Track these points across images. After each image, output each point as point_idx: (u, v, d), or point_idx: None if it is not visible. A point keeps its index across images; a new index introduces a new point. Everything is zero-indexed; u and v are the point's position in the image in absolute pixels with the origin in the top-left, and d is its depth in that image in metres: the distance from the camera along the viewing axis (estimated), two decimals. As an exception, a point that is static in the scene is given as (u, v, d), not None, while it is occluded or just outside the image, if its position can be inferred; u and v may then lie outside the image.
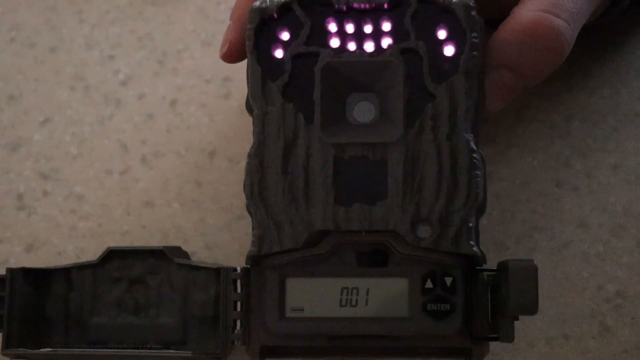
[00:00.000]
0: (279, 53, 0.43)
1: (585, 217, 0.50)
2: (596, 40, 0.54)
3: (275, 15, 0.43)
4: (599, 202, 0.50)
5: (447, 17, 0.42)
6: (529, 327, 0.49)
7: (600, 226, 0.50)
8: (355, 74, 0.42)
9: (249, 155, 0.43)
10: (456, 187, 0.41)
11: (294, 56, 0.43)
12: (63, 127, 0.56)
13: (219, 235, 0.52)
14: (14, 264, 0.52)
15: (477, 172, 0.41)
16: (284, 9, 0.43)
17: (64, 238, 0.53)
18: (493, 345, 0.47)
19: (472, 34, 0.42)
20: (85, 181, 0.54)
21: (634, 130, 0.52)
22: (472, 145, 0.41)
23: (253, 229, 0.43)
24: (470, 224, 0.41)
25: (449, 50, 0.42)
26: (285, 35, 0.43)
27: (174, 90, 0.56)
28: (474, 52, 0.42)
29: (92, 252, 0.52)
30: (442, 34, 0.42)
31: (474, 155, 0.41)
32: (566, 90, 0.53)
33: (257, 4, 0.43)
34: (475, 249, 0.41)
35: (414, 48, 0.42)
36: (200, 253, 0.52)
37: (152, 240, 0.52)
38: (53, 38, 0.59)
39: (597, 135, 0.52)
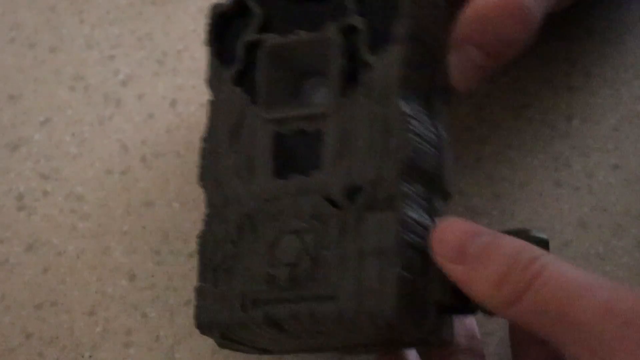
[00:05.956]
0: (234, 44, 0.45)
1: (585, 217, 0.50)
2: (596, 40, 0.54)
3: (231, 9, 0.45)
4: (599, 202, 0.50)
5: None
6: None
7: (600, 226, 0.50)
8: (300, 55, 0.44)
9: (202, 140, 0.44)
10: (387, 151, 0.41)
11: (246, 45, 0.44)
12: (63, 127, 0.56)
13: (219, 235, 0.52)
14: (14, 264, 0.52)
15: (410, 135, 0.41)
16: (239, 3, 0.45)
17: (64, 238, 0.53)
18: (493, 345, 0.47)
19: (409, 2, 0.42)
20: (85, 181, 0.54)
21: (634, 130, 0.52)
22: (405, 109, 0.41)
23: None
24: (405, 189, 0.41)
25: (387, 22, 0.42)
26: (241, 28, 0.45)
27: (174, 90, 0.56)
28: (412, 21, 0.42)
29: (92, 252, 0.52)
30: (381, 8, 0.43)
31: (408, 119, 0.41)
32: (566, 90, 0.53)
33: (215, 1, 0.46)
34: (411, 213, 0.41)
35: (353, 24, 0.43)
36: (200, 253, 0.52)
37: (152, 240, 0.52)
38: (53, 38, 0.59)
39: (597, 135, 0.52)
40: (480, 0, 0.43)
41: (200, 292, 0.43)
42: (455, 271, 0.39)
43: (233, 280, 0.42)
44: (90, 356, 0.49)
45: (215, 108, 0.45)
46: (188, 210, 0.53)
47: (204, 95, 0.56)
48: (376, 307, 0.39)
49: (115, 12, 0.60)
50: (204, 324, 0.43)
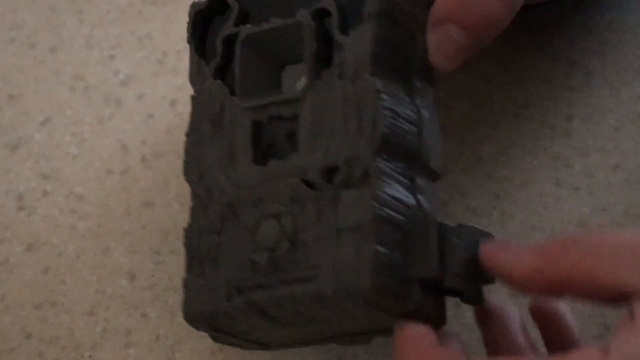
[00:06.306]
0: (213, 39, 0.45)
1: (585, 217, 0.50)
2: (596, 40, 0.54)
3: (209, 5, 0.45)
4: (599, 202, 0.50)
5: None
6: (529, 326, 0.49)
7: (600, 226, 0.50)
8: (275, 42, 0.44)
9: (185, 135, 0.45)
10: (360, 128, 0.41)
11: (224, 39, 0.44)
12: (63, 127, 0.56)
13: (219, 235, 0.52)
14: (14, 264, 0.52)
15: (384, 111, 0.41)
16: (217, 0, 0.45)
17: (64, 238, 0.53)
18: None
19: None
20: (85, 181, 0.54)
21: (634, 130, 0.52)
22: (378, 85, 0.41)
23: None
24: (381, 165, 0.40)
25: (358, 4, 0.42)
26: (221, 24, 0.45)
27: (174, 90, 0.56)
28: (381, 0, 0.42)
29: (92, 252, 0.52)
30: None
31: (381, 95, 0.41)
32: (566, 90, 0.53)
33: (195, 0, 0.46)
34: (388, 189, 0.40)
35: (324, 7, 0.43)
36: (200, 253, 0.52)
37: (152, 240, 0.52)
38: (53, 38, 0.59)
39: (597, 135, 0.52)
40: None
41: (187, 284, 0.43)
42: (499, 257, 0.40)
43: (219, 270, 0.42)
44: (90, 356, 0.49)
45: (197, 103, 0.45)
46: (188, 210, 0.53)
47: (204, 95, 0.56)
48: (353, 284, 0.39)
49: (115, 12, 0.60)
50: (192, 316, 0.43)
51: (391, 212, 0.40)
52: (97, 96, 0.57)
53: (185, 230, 0.44)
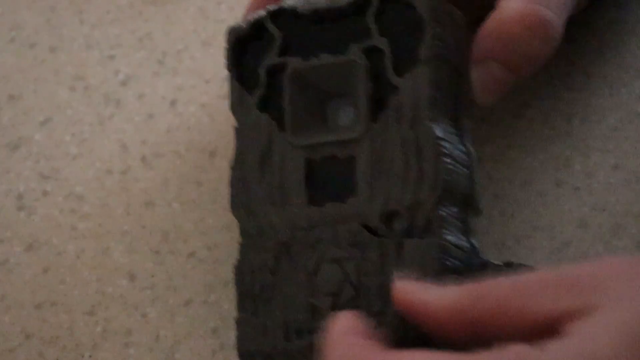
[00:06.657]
0: (255, 68, 0.44)
1: (585, 217, 0.50)
2: (596, 40, 0.54)
3: (249, 32, 0.44)
4: (599, 202, 0.50)
5: (410, 11, 0.42)
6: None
7: (600, 226, 0.50)
8: (324, 78, 0.43)
9: (230, 168, 0.44)
10: (422, 175, 0.41)
11: (268, 69, 0.44)
12: (63, 127, 0.56)
13: (219, 235, 0.52)
14: (14, 264, 0.52)
15: (444, 159, 0.41)
16: (257, 26, 0.44)
17: (64, 238, 0.53)
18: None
19: (433, 24, 0.42)
20: (85, 181, 0.54)
21: (634, 130, 0.52)
22: (438, 132, 0.41)
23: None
24: (442, 213, 0.41)
25: (411, 43, 0.42)
26: (260, 51, 0.44)
27: (174, 90, 0.56)
28: (437, 42, 0.42)
29: (92, 252, 0.52)
30: (404, 29, 0.42)
31: (441, 142, 0.41)
32: (566, 90, 0.53)
33: (233, 25, 0.45)
34: (450, 237, 0.41)
35: (376, 45, 0.42)
36: (200, 253, 0.52)
37: (152, 240, 0.52)
38: (53, 38, 0.59)
39: (597, 135, 0.52)
40: (501, 15, 0.43)
41: (240, 321, 0.43)
42: (416, 296, 0.39)
43: (273, 310, 0.43)
44: (90, 356, 0.49)
45: (242, 135, 0.44)
46: (188, 210, 0.53)
47: (204, 95, 0.56)
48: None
49: (115, 12, 0.60)
50: (246, 353, 0.43)
51: (454, 261, 0.41)
52: (97, 96, 0.57)
53: (235, 267, 0.44)
